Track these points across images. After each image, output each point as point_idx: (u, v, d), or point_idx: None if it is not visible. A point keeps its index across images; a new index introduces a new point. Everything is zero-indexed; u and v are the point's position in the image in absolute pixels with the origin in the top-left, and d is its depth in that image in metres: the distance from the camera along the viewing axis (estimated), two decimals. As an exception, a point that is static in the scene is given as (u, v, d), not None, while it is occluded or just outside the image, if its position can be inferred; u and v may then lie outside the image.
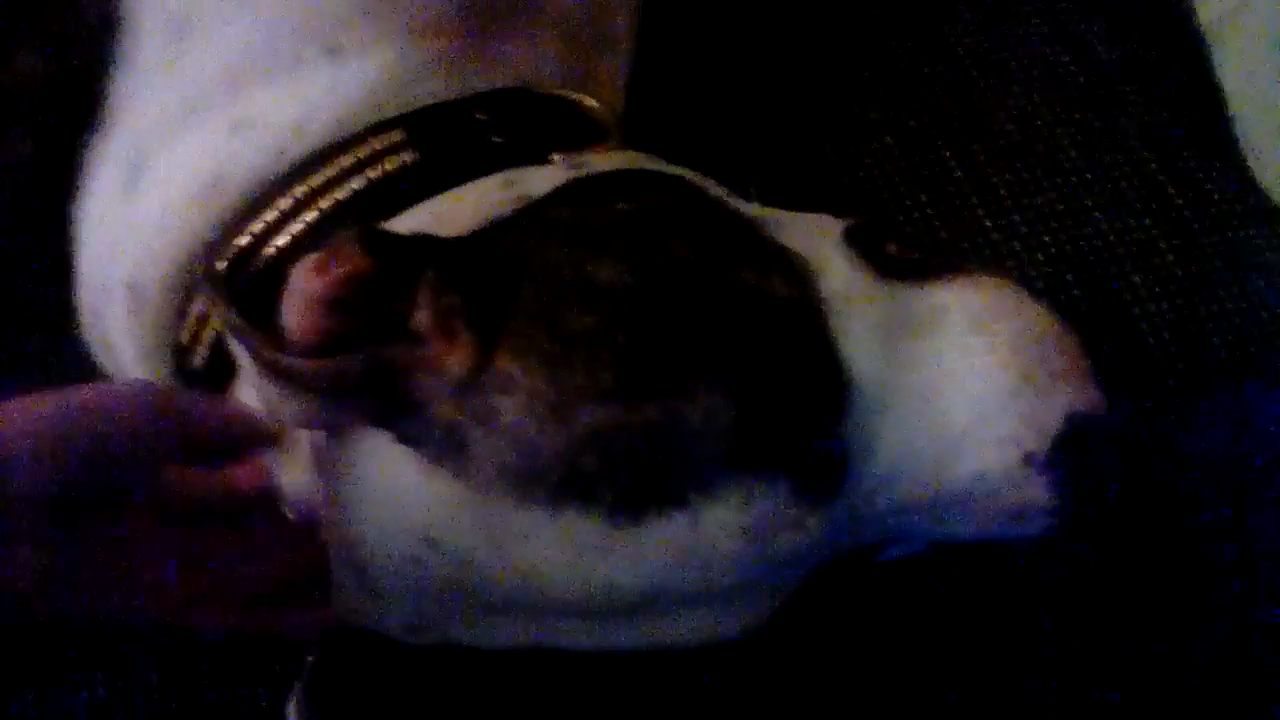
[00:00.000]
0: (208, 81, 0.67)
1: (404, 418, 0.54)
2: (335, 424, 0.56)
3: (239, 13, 0.67)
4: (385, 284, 0.53)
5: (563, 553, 0.54)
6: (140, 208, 0.67)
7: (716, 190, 0.65)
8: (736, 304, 0.56)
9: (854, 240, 0.62)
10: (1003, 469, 0.58)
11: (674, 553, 0.54)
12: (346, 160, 0.65)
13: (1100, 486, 0.60)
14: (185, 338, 0.67)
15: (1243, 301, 0.80)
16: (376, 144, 0.65)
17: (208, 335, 0.66)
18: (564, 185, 0.63)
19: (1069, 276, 0.80)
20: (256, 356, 0.53)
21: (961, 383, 0.59)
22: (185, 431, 0.57)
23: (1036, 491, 0.58)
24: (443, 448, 0.54)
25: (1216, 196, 0.83)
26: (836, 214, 0.64)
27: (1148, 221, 0.82)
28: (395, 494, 0.55)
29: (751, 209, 0.63)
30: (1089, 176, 0.84)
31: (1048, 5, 0.91)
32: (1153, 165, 0.84)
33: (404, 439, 0.54)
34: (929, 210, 0.83)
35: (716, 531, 0.54)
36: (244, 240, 0.65)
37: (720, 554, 0.55)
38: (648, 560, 0.54)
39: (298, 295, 0.53)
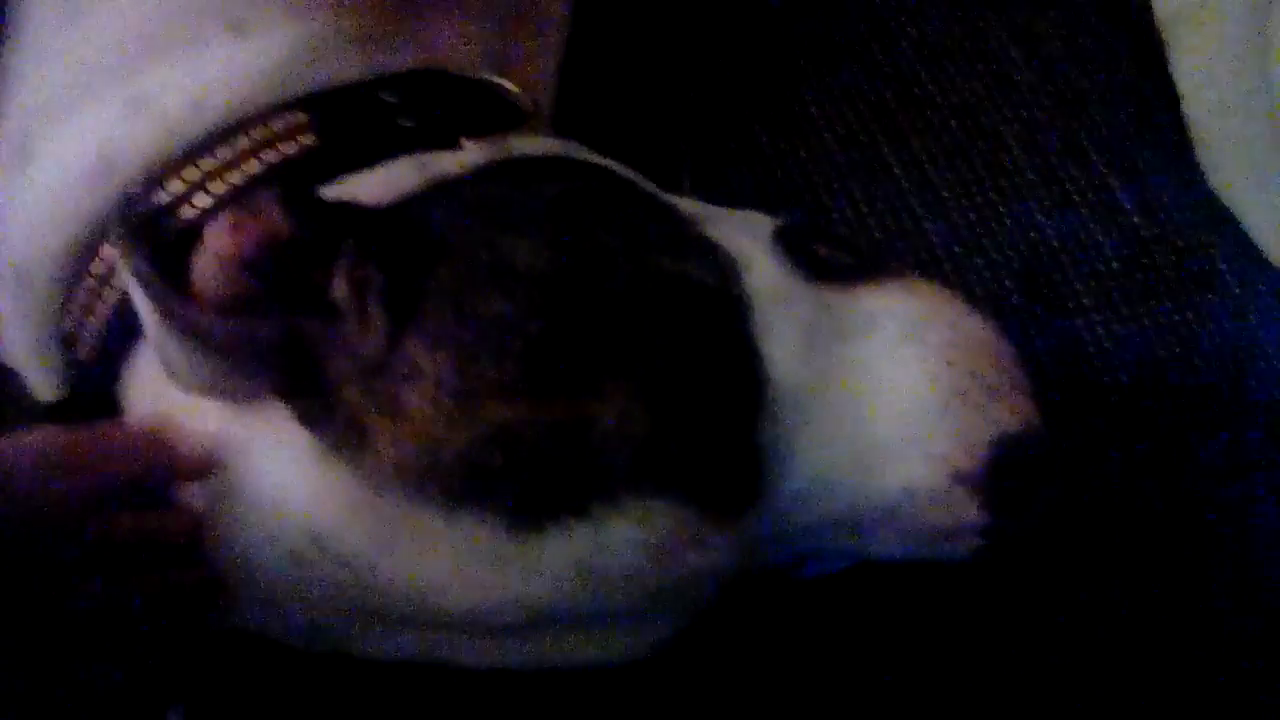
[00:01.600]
0: (102, 59, 0.64)
1: (308, 396, 0.52)
2: (236, 393, 0.53)
3: None
4: (303, 250, 0.52)
5: (456, 561, 0.52)
6: (28, 190, 0.64)
7: (645, 184, 0.62)
8: (657, 297, 0.54)
9: (783, 240, 0.60)
10: (930, 487, 0.56)
11: (573, 567, 0.52)
12: (243, 143, 0.61)
13: (1033, 507, 0.58)
14: (71, 325, 0.64)
15: (1190, 312, 0.77)
16: (276, 126, 0.62)
17: (93, 324, 0.63)
18: (486, 165, 0.61)
19: (1009, 283, 0.78)
20: (164, 310, 0.50)
21: (889, 394, 0.57)
22: (101, 486, 0.55)
23: (966, 511, 0.57)
24: (343, 434, 0.52)
25: (1167, 201, 0.80)
26: (769, 210, 0.62)
27: (1094, 226, 0.79)
28: (287, 482, 0.53)
29: (680, 202, 0.61)
30: (1033, 178, 0.81)
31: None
32: (1102, 168, 0.81)
33: (305, 420, 0.52)
34: (864, 209, 0.80)
35: (618, 546, 0.52)
36: None
37: (621, 571, 0.52)
38: (545, 574, 0.52)
39: (210, 252, 0.51)
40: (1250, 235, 0.80)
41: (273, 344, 0.51)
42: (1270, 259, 0.79)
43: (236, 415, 0.54)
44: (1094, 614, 0.73)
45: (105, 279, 0.62)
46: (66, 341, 0.64)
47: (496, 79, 0.68)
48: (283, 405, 0.53)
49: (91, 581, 0.54)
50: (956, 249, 0.78)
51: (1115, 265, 0.78)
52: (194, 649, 0.58)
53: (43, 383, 0.68)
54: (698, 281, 0.55)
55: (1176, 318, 0.77)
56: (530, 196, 0.58)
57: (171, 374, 0.53)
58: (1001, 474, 0.56)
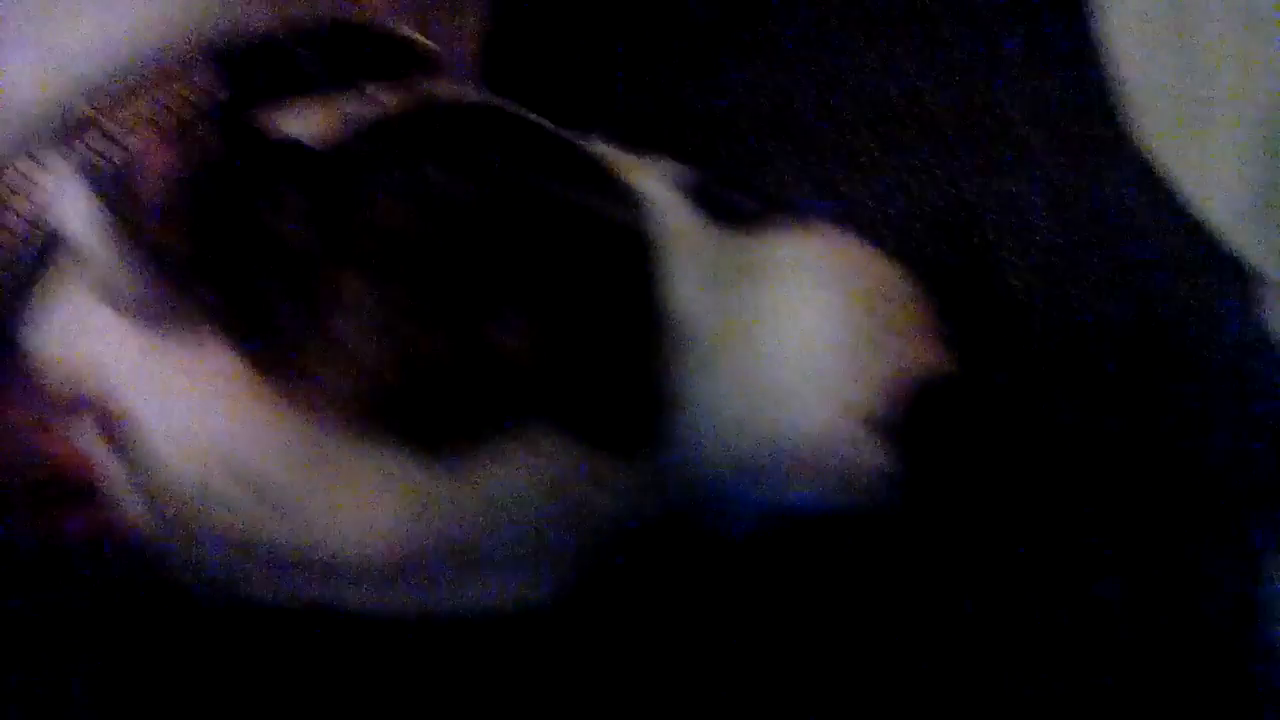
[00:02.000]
0: (14, 12, 0.65)
1: (248, 323, 0.52)
2: (170, 317, 0.52)
3: None
4: (234, 175, 0.53)
5: (370, 493, 0.52)
6: None
7: (561, 131, 0.64)
8: (564, 231, 0.55)
9: (695, 186, 0.61)
10: (835, 430, 0.57)
11: (474, 499, 0.53)
12: (147, 91, 0.62)
13: (944, 452, 0.59)
14: None
15: (1115, 262, 0.78)
16: (181, 73, 0.62)
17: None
18: (401, 106, 0.62)
19: (939, 241, 0.79)
20: (113, 219, 0.50)
21: (795, 337, 0.58)
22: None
23: (874, 457, 0.57)
24: (275, 363, 0.52)
25: (1094, 159, 0.81)
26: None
27: (1021, 184, 0.80)
28: (214, 410, 0.53)
29: (596, 147, 0.62)
30: (958, 130, 0.82)
31: None
32: (1027, 125, 0.82)
33: (239, 348, 0.52)
34: (781, 163, 0.81)
35: (517, 478, 0.53)
36: (22, 168, 0.62)
37: (520, 504, 0.53)
38: (449, 506, 0.53)
39: (148, 169, 0.53)
40: (1176, 189, 0.80)
41: (215, 262, 0.52)
42: (1193, 211, 0.79)
43: (159, 344, 0.53)
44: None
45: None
46: None
47: (405, 30, 0.69)
48: (217, 332, 0.52)
49: None
50: (882, 210, 0.79)
51: (1042, 218, 0.79)
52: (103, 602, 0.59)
53: None
54: (605, 218, 0.57)
55: (1103, 270, 0.78)
56: (446, 133, 0.60)
57: (101, 289, 0.53)
58: (908, 416, 0.57)
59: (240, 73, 0.63)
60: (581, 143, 0.63)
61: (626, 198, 0.59)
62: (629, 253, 0.57)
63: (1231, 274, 0.78)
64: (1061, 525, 0.74)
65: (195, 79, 0.62)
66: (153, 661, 0.67)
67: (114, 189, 0.52)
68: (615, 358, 0.55)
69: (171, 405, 0.54)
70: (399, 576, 0.55)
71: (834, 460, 0.58)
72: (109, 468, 0.55)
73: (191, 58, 0.63)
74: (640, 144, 0.64)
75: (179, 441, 0.54)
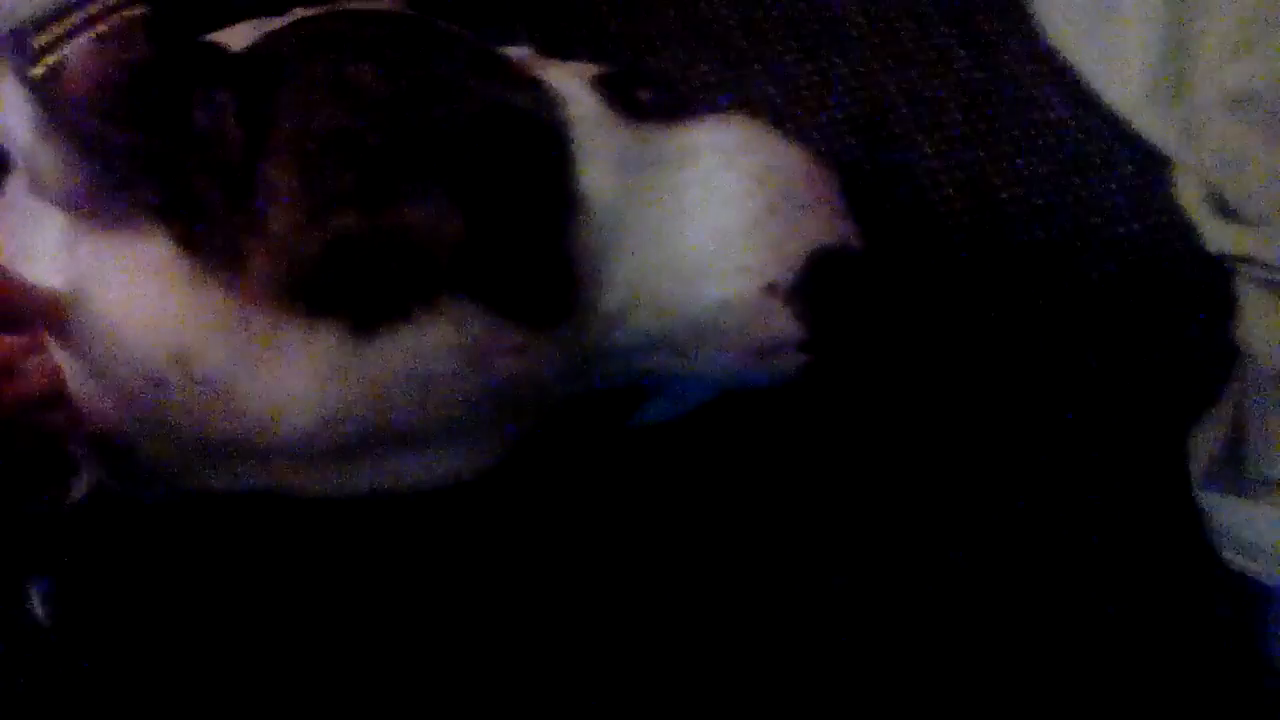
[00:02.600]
0: None
1: (183, 214, 0.53)
2: (109, 210, 0.54)
3: None
4: (164, 75, 0.54)
5: (305, 374, 0.53)
6: None
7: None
8: (479, 118, 0.56)
9: (606, 83, 0.62)
10: (745, 298, 0.58)
11: (400, 373, 0.54)
12: (77, 17, 0.62)
13: (851, 320, 0.60)
14: None
15: (1033, 156, 0.80)
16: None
17: None
18: (319, 13, 0.63)
19: (852, 140, 0.80)
20: (48, 111, 0.51)
21: (705, 214, 0.59)
22: None
23: (783, 324, 0.58)
24: (213, 253, 0.53)
25: (1006, 58, 0.83)
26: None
27: (933, 81, 0.82)
28: (155, 301, 0.53)
29: (511, 49, 0.64)
30: (876, 41, 0.83)
31: None
32: (943, 29, 0.84)
33: (180, 239, 0.53)
34: (711, 78, 0.82)
35: (438, 351, 0.54)
36: None
37: (442, 377, 0.54)
38: (377, 382, 0.53)
39: (82, 71, 0.54)
40: (1085, 83, 0.82)
41: (153, 157, 0.53)
42: (1104, 102, 0.82)
43: (100, 240, 0.55)
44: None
45: None
46: None
47: None
48: (154, 223, 0.53)
49: None
50: (799, 111, 0.80)
51: (956, 115, 0.81)
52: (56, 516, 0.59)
53: None
54: (518, 106, 0.58)
55: (1019, 161, 0.80)
56: (365, 35, 0.60)
57: (43, 187, 0.53)
58: (814, 286, 0.58)
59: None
60: (499, 48, 0.64)
61: (540, 92, 0.60)
62: (541, 140, 0.58)
63: (1137, 155, 0.81)
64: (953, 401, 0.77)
65: (123, 5, 0.62)
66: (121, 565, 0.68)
67: (49, 93, 0.53)
68: (528, 236, 0.56)
69: (117, 296, 0.54)
70: (341, 456, 0.56)
71: (747, 329, 0.59)
72: (71, 369, 0.56)
73: None
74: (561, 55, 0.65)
75: (129, 333, 0.54)
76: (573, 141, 0.58)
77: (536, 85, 0.60)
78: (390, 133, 0.54)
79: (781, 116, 0.80)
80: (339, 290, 0.53)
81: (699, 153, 0.60)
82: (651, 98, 0.63)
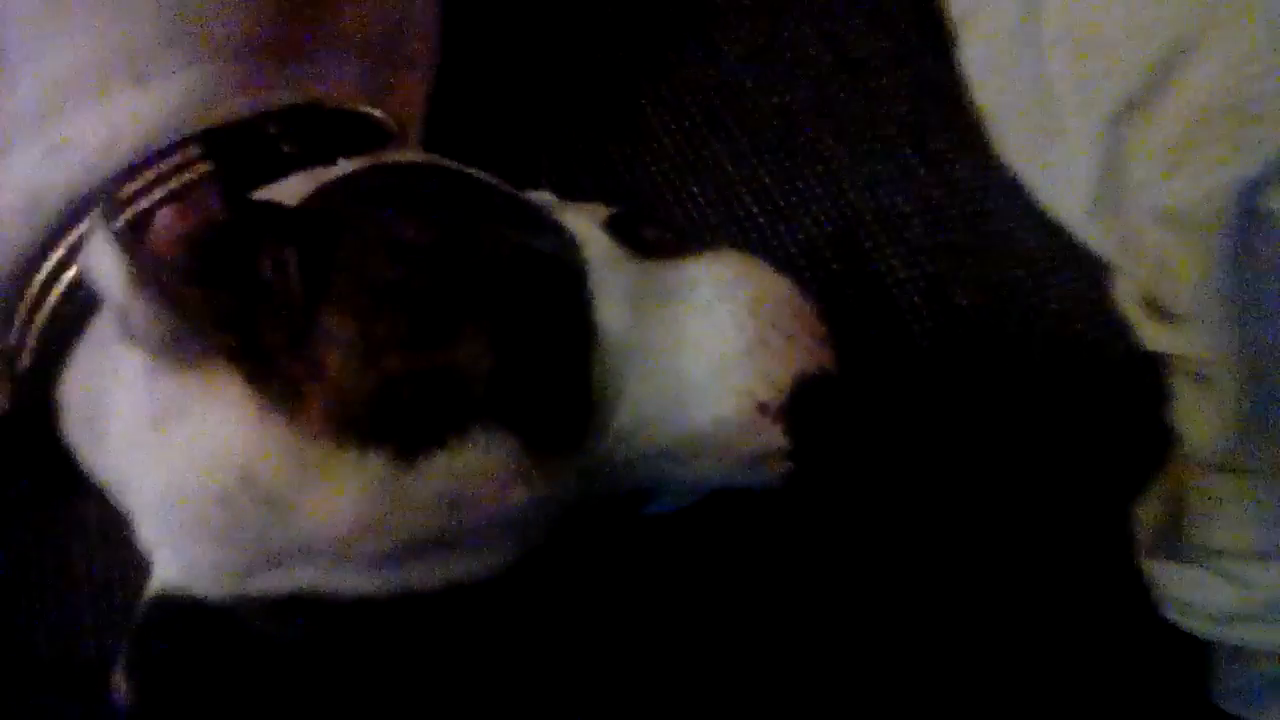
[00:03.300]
0: (24, 109, 0.74)
1: (252, 356, 0.59)
2: (188, 352, 0.60)
3: (52, 47, 0.74)
4: (235, 235, 0.60)
5: (355, 494, 0.59)
6: None
7: (502, 185, 0.72)
8: (509, 263, 0.63)
9: (616, 223, 0.69)
10: (738, 416, 0.65)
11: (435, 493, 0.60)
12: (151, 174, 0.71)
13: (829, 433, 0.67)
14: (14, 340, 0.73)
15: (988, 264, 0.89)
16: (179, 158, 0.71)
17: (32, 337, 0.72)
18: (367, 167, 0.71)
19: (828, 252, 0.88)
20: (139, 270, 0.58)
21: (704, 342, 0.66)
22: None
23: (771, 438, 0.65)
24: (278, 392, 0.59)
25: (962, 175, 0.92)
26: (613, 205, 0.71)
27: (900, 200, 0.90)
28: (227, 430, 0.60)
29: (533, 195, 0.71)
30: (847, 162, 0.92)
31: (811, 9, 0.99)
32: (906, 149, 0.92)
33: (249, 379, 0.59)
34: (701, 200, 0.90)
35: (469, 473, 0.60)
36: (60, 252, 0.71)
37: (473, 496, 0.61)
38: (416, 500, 0.60)
39: (164, 232, 0.60)
40: (1034, 197, 0.90)
41: (227, 310, 0.59)
42: (1051, 215, 0.89)
43: (179, 378, 0.61)
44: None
45: (40, 297, 0.71)
46: (7, 357, 0.73)
47: (364, 108, 0.78)
48: (229, 367, 0.60)
49: None
50: (781, 227, 0.89)
51: (919, 230, 0.89)
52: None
53: None
54: (543, 251, 0.65)
55: (976, 270, 0.88)
56: (409, 188, 0.69)
57: (131, 331, 0.60)
58: (799, 405, 0.65)
59: (224, 155, 0.72)
60: (522, 193, 0.72)
61: (560, 235, 0.67)
62: (563, 281, 0.65)
63: (1081, 263, 0.89)
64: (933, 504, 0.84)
65: (190, 162, 0.71)
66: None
67: (137, 250, 0.58)
68: (553, 367, 0.62)
69: (194, 427, 0.61)
70: (380, 562, 0.62)
71: (740, 442, 0.65)
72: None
73: (185, 144, 0.72)
74: (574, 192, 0.73)
75: (202, 457, 0.61)
76: (589, 281, 0.66)
77: (559, 229, 0.68)
78: (433, 280, 0.61)
79: (765, 234, 0.88)
80: (386, 423, 0.59)
81: (698, 285, 0.67)
82: (655, 235, 0.70)
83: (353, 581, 0.63)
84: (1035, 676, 0.85)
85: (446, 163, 0.75)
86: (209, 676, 0.65)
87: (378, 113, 0.79)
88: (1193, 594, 0.85)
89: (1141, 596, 0.86)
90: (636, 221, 0.70)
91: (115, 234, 0.59)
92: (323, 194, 0.68)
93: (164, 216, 0.60)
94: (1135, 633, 0.87)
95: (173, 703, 0.65)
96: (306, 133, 0.75)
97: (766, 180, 0.91)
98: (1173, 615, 0.86)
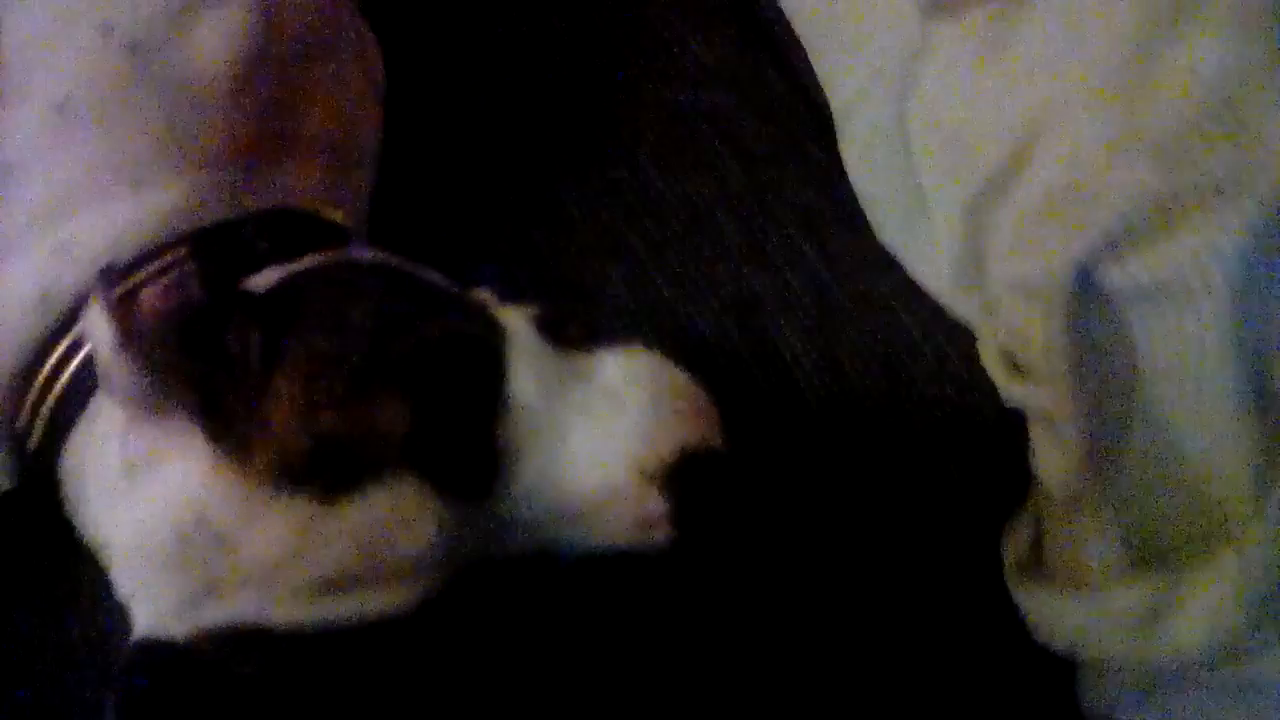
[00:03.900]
0: (32, 214, 0.82)
1: (212, 414, 0.69)
2: (161, 409, 0.69)
3: (56, 158, 0.83)
4: (210, 315, 0.70)
5: (289, 533, 0.68)
6: None
7: (438, 279, 0.82)
8: (436, 341, 0.72)
9: (542, 320, 0.78)
10: (627, 484, 0.72)
11: (352, 534, 0.68)
12: (143, 274, 0.78)
13: (711, 503, 0.74)
14: (23, 423, 0.81)
15: (868, 334, 0.98)
16: (169, 256, 0.80)
17: (41, 420, 0.80)
18: (328, 262, 0.80)
19: (731, 325, 0.98)
20: (126, 335, 0.67)
21: (600, 416, 0.74)
22: None
23: (653, 504, 0.72)
24: (234, 445, 0.68)
25: (847, 256, 1.01)
26: (545, 293, 0.80)
27: (791, 278, 1.00)
28: (187, 476, 0.69)
29: (474, 294, 0.80)
30: (745, 246, 1.01)
31: (711, 110, 1.09)
32: (795, 233, 1.02)
33: (210, 434, 0.69)
34: (620, 284, 1.00)
35: (383, 518, 0.68)
36: (67, 342, 0.79)
37: (386, 538, 0.69)
38: (338, 538, 0.68)
39: (149, 305, 0.70)
40: (909, 273, 1.00)
41: (195, 374, 0.68)
42: (928, 290, 0.99)
43: (151, 430, 0.70)
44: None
45: (49, 383, 0.79)
46: (18, 439, 0.81)
47: (326, 211, 0.88)
48: (193, 423, 0.69)
49: None
50: (689, 306, 0.99)
51: (811, 307, 0.99)
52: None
53: (2, 474, 0.84)
54: (465, 333, 0.74)
55: (859, 340, 0.98)
56: (361, 280, 0.77)
57: (113, 388, 0.69)
58: (682, 474, 0.72)
59: (209, 252, 0.80)
60: (464, 290, 0.80)
61: (488, 322, 0.75)
62: (485, 359, 0.73)
63: (950, 329, 0.98)
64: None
65: (179, 260, 0.79)
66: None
67: (125, 321, 0.67)
68: (467, 430, 0.71)
69: (160, 474, 0.70)
70: (313, 594, 0.69)
71: (629, 508, 0.72)
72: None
73: (173, 243, 0.80)
74: (507, 280, 0.81)
75: (166, 503, 0.69)
76: (509, 362, 0.74)
77: (487, 318, 0.76)
78: (366, 353, 0.70)
79: (676, 313, 0.98)
80: (314, 469, 0.67)
81: (603, 371, 0.75)
82: (577, 331, 0.77)
83: (284, 612, 0.70)
84: (920, 698, 0.94)
85: (395, 260, 0.84)
86: (189, 711, 0.71)
87: (338, 216, 0.89)
88: (1052, 613, 0.93)
89: (1014, 621, 0.95)
90: (563, 320, 0.78)
91: (108, 301, 0.67)
92: (288, 283, 0.77)
93: (150, 294, 0.71)
94: (1013, 653, 0.96)
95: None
96: (278, 233, 0.83)
97: (676, 266, 1.00)
98: (1040, 635, 0.94)
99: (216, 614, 0.70)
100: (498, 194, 1.06)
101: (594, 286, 1.00)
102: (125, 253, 0.80)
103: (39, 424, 0.80)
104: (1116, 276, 0.86)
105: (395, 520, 0.69)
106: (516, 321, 0.77)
